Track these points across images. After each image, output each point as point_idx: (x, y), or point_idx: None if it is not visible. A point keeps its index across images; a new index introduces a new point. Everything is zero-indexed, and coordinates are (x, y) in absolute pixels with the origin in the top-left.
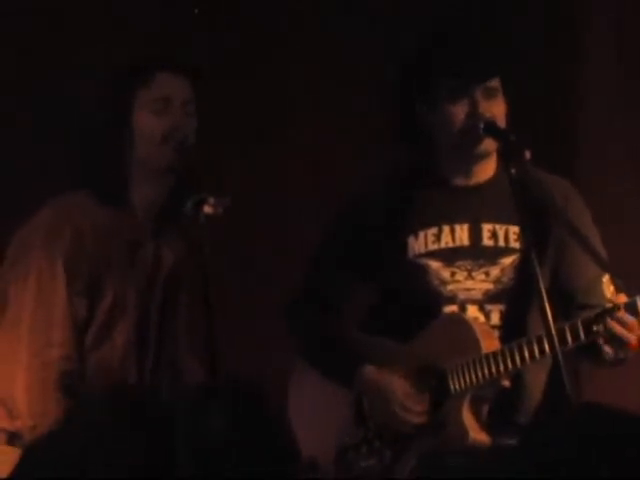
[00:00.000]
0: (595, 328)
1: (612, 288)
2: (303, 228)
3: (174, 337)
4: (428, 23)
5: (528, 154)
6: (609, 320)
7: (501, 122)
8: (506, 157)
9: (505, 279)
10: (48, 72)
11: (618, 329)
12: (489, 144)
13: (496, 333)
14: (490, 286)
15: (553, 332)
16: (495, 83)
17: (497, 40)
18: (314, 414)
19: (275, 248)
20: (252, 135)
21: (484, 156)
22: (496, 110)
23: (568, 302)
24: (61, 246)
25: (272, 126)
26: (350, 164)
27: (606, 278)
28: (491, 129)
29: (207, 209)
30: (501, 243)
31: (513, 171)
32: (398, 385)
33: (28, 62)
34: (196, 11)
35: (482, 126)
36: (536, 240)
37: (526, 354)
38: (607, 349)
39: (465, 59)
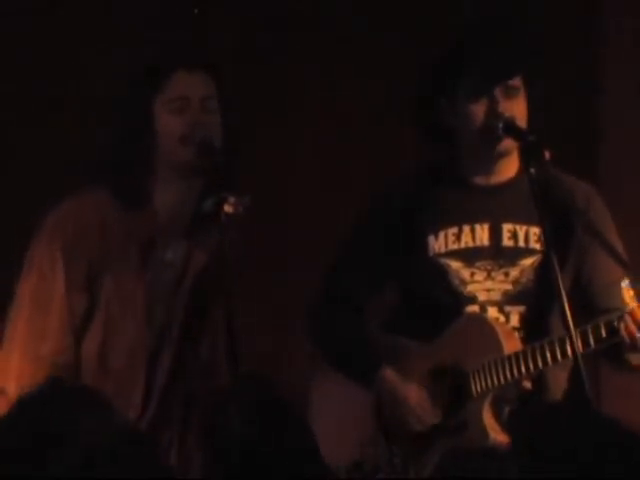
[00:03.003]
0: (616, 329)
1: (632, 293)
2: (304, 227)
3: (209, 336)
4: (429, 23)
5: (548, 154)
6: (630, 322)
7: (521, 122)
8: (525, 157)
9: (524, 280)
10: (66, 72)
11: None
12: (508, 144)
13: (516, 335)
14: (509, 287)
15: (573, 333)
16: (516, 82)
17: (519, 39)
18: (335, 416)
19: (275, 249)
20: (252, 135)
21: (504, 155)
22: (517, 110)
23: (588, 305)
24: (62, 240)
25: (272, 126)
26: (350, 164)
27: (625, 283)
28: (510, 129)
29: (227, 208)
30: (521, 244)
31: (532, 171)
32: (413, 394)
33: (49, 60)
34: (196, 11)
35: (501, 126)
36: (556, 241)
37: (548, 355)
38: (630, 351)
39: (485, 58)
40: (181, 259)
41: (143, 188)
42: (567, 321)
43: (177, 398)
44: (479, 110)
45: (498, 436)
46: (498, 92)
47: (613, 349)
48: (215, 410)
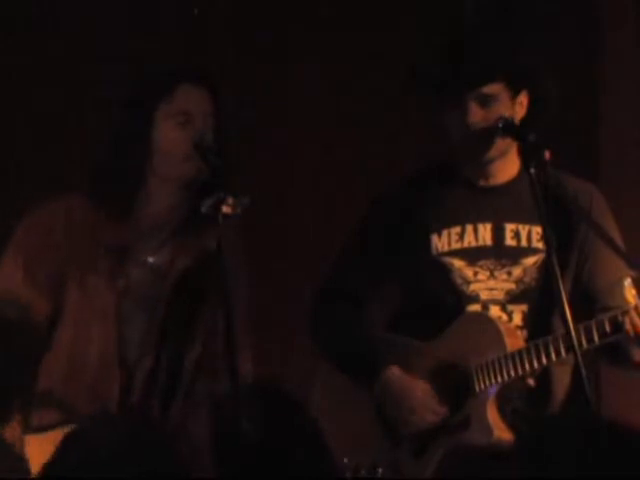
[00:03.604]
0: (621, 324)
1: (634, 291)
2: (304, 228)
3: (199, 338)
4: (429, 23)
5: (548, 154)
6: (635, 317)
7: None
8: (525, 157)
9: (527, 279)
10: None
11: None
12: (500, 147)
13: (518, 333)
14: (512, 286)
15: (573, 335)
16: (494, 89)
17: (491, 47)
18: (335, 415)
19: (275, 249)
20: (252, 135)
21: (498, 159)
22: (493, 118)
23: (591, 304)
24: (26, 252)
25: (272, 126)
26: (351, 164)
27: (628, 281)
28: (510, 129)
29: (226, 209)
30: (524, 243)
31: (533, 171)
32: (419, 385)
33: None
34: (196, 11)
35: (501, 126)
36: (558, 241)
37: (552, 352)
38: (633, 349)
39: (451, 67)
40: (164, 263)
41: (127, 195)
42: (567, 322)
43: (158, 398)
44: (455, 120)
45: (502, 434)
46: (470, 101)
47: (614, 347)
48: (221, 412)
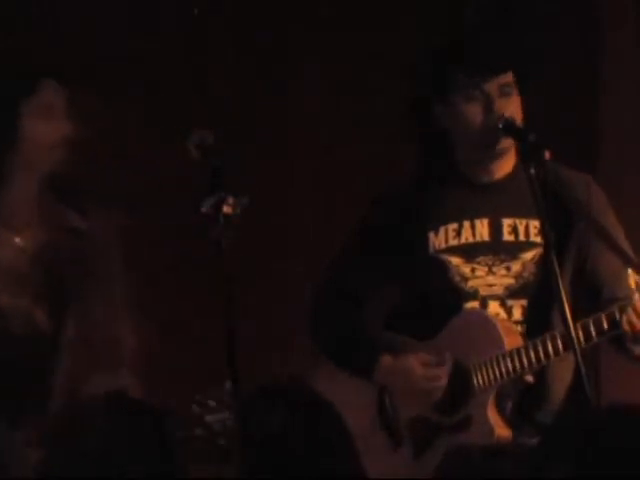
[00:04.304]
0: (618, 321)
1: (637, 278)
2: (304, 228)
3: (73, 320)
4: (429, 23)
5: (548, 154)
6: (632, 314)
7: (518, 119)
8: (525, 157)
9: (526, 274)
10: None
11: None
12: (507, 142)
13: (519, 328)
14: (511, 281)
15: (572, 329)
16: (509, 79)
17: (511, 36)
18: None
19: (275, 249)
20: (252, 135)
21: (503, 154)
22: (513, 107)
23: (597, 295)
24: None
25: (272, 127)
26: (351, 164)
27: (631, 270)
28: (510, 129)
29: (226, 209)
30: (522, 238)
31: (532, 171)
32: (415, 358)
33: None
34: (196, 11)
35: (501, 126)
36: (557, 236)
37: (550, 350)
38: (631, 346)
39: (474, 55)
40: (29, 244)
41: None
42: (566, 318)
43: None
44: (475, 110)
45: (502, 432)
46: (492, 90)
47: (617, 338)
48: (247, 409)
